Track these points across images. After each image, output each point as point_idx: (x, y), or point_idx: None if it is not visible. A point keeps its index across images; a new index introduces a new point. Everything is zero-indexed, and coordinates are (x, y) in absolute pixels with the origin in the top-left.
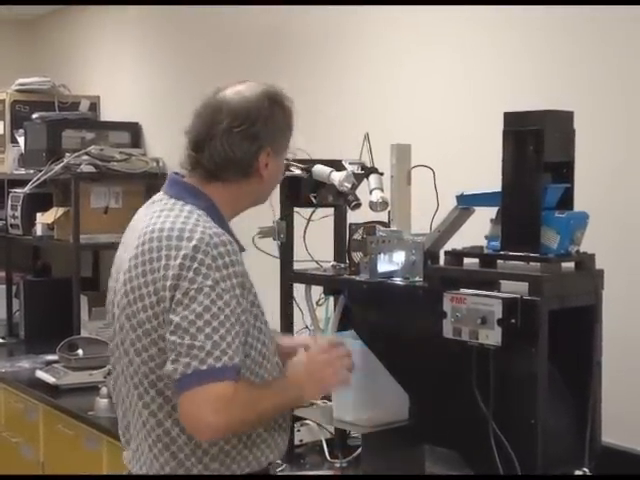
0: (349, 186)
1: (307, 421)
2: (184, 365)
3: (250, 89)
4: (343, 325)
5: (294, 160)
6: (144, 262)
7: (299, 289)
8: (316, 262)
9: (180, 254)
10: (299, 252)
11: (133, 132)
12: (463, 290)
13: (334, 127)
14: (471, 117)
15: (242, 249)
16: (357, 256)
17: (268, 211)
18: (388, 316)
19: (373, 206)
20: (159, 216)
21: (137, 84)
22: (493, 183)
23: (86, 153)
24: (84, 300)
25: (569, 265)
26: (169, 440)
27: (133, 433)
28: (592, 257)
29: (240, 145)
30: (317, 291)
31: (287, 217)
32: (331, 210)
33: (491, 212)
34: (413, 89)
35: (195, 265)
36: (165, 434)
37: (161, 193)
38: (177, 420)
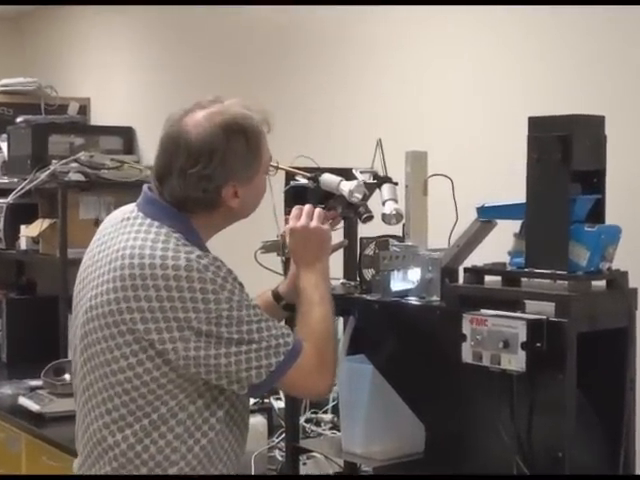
0: (360, 197)
1: (314, 454)
2: (266, 366)
3: (210, 119)
4: (353, 348)
5: (299, 168)
6: (124, 288)
7: None
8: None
9: (175, 286)
10: None
11: (126, 137)
12: (484, 311)
13: (344, 134)
14: (493, 122)
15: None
16: (368, 273)
17: (271, 224)
18: (402, 339)
19: (386, 219)
20: (135, 238)
21: (131, 85)
22: (517, 194)
23: (75, 160)
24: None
25: (600, 284)
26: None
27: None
28: (625, 275)
29: (197, 186)
30: None
31: None
32: (340, 223)
33: (514, 225)
34: (430, 93)
35: (201, 296)
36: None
37: (135, 210)
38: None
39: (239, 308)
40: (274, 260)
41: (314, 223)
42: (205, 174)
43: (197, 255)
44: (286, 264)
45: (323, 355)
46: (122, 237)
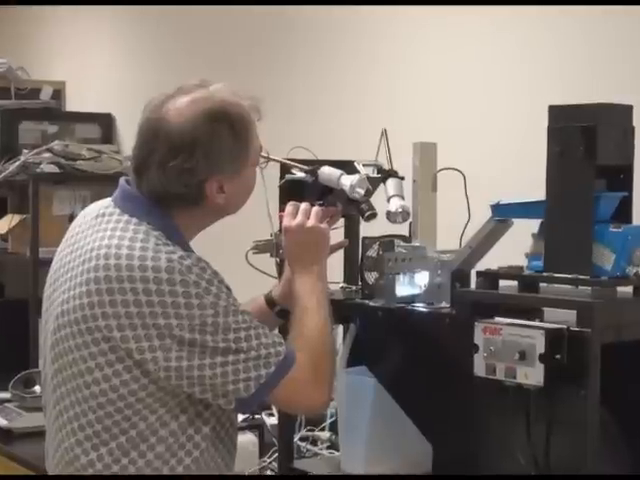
0: (362, 192)
1: (311, 474)
2: (255, 378)
3: (193, 106)
4: (353, 360)
5: (295, 160)
6: (99, 291)
7: None
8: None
9: (155, 289)
10: None
11: (104, 125)
12: (498, 319)
13: (346, 123)
14: (509, 111)
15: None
16: (371, 277)
17: (265, 222)
18: (408, 349)
19: (391, 217)
20: (111, 237)
21: (110, 68)
22: (535, 190)
23: (48, 150)
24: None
25: (626, 290)
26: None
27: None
28: None
29: (177, 181)
30: None
31: None
32: (341, 221)
33: (533, 225)
34: (441, 80)
35: (184, 301)
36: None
37: (111, 205)
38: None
39: (225, 314)
40: (267, 261)
41: (311, 222)
42: (187, 167)
43: (179, 255)
44: (280, 266)
45: (319, 366)
46: (96, 235)
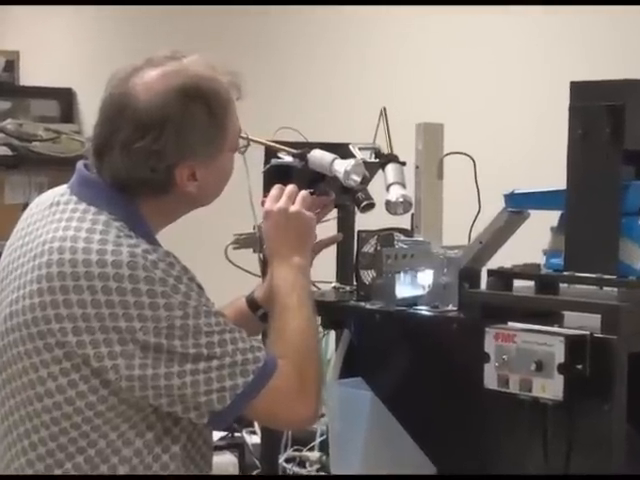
0: (358, 179)
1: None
2: (231, 387)
3: (163, 80)
4: (347, 370)
5: (282, 143)
6: (52, 290)
7: None
8: (312, 284)
9: (116, 287)
10: None
11: (64, 101)
12: (512, 324)
13: (340, 101)
14: (525, 88)
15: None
16: (368, 276)
17: (247, 212)
18: (409, 358)
19: (391, 207)
20: (66, 228)
21: (71, 36)
22: (554, 178)
23: None
24: None
25: None
26: None
27: None
28: None
29: (143, 164)
30: None
31: None
32: (333, 212)
33: (551, 218)
34: (446, 53)
35: (148, 300)
36: None
37: (67, 192)
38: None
39: (196, 315)
40: (249, 258)
41: (295, 207)
42: (155, 149)
43: (144, 249)
44: (264, 263)
45: (304, 374)
46: (50, 227)
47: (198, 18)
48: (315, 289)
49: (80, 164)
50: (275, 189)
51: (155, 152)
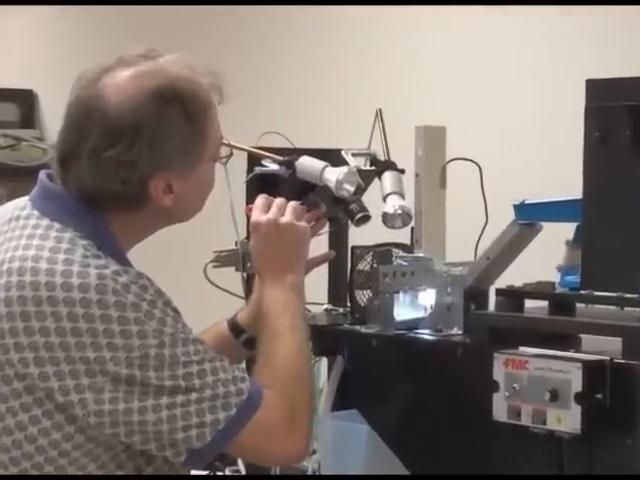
0: (352, 189)
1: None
2: (212, 423)
3: (137, 82)
4: (341, 402)
5: (267, 149)
6: (11, 316)
7: None
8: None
9: (83, 314)
10: None
11: (24, 105)
12: (523, 349)
13: (332, 103)
14: (535, 88)
15: None
16: (363, 296)
17: (228, 226)
18: (409, 388)
19: (388, 220)
20: (27, 247)
21: (32, 34)
22: (569, 187)
23: None
24: None
25: None
26: None
27: None
28: None
29: (114, 175)
30: None
31: None
32: (325, 226)
33: (566, 230)
34: (448, 52)
35: (119, 328)
36: None
37: (29, 206)
38: None
39: (172, 344)
40: (231, 277)
41: (287, 217)
42: (126, 159)
43: (113, 271)
44: (248, 283)
45: (294, 405)
46: (9, 245)
47: (174, 16)
48: (305, 312)
49: (42, 174)
50: (261, 198)
51: (127, 162)
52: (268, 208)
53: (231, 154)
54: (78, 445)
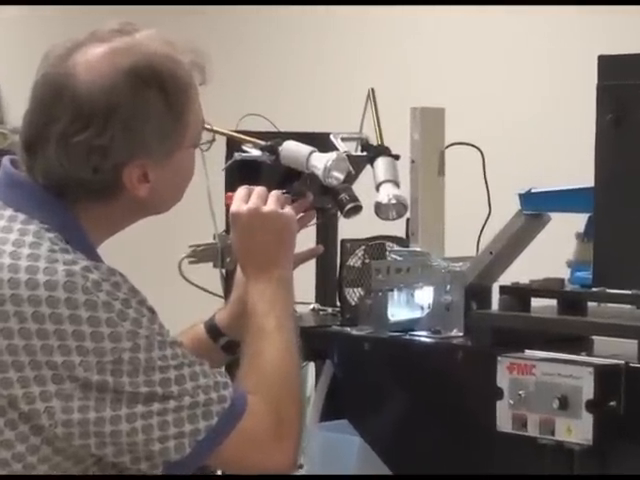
0: (341, 177)
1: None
2: (191, 433)
3: (111, 59)
4: (331, 411)
5: (249, 133)
6: None
7: None
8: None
9: (49, 314)
10: None
11: None
12: (530, 352)
13: (319, 83)
14: (541, 67)
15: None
16: (354, 295)
17: (206, 218)
18: (405, 395)
19: (381, 210)
20: None
21: None
22: (580, 173)
23: None
24: None
25: None
26: None
27: None
28: None
29: (85, 162)
30: None
31: None
32: (312, 218)
33: (577, 221)
34: (448, 28)
35: (90, 330)
36: None
37: None
38: None
39: (148, 347)
40: (209, 274)
41: (270, 206)
42: (98, 145)
43: (83, 267)
44: (228, 280)
45: (281, 413)
46: None
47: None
48: None
49: (6, 160)
50: (242, 189)
51: (99, 147)
52: (249, 198)
53: (213, 139)
54: (45, 458)
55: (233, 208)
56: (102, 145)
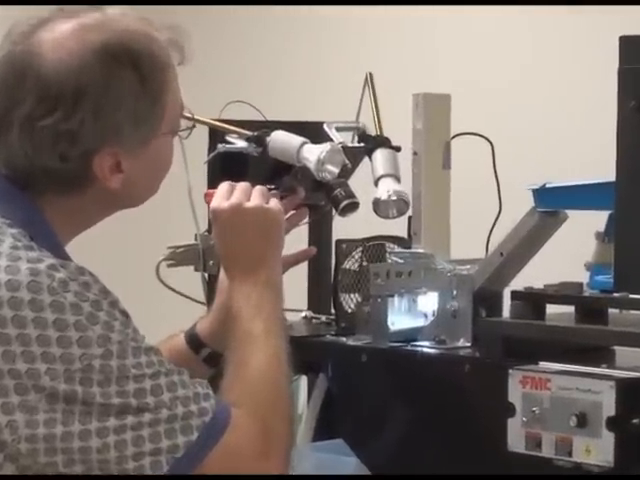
0: (336, 171)
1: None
2: (169, 449)
3: (80, 36)
4: (325, 429)
5: (233, 123)
6: None
7: None
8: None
9: (12, 317)
10: None
11: None
12: (545, 364)
13: (312, 68)
14: (556, 49)
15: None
16: (350, 301)
17: (186, 216)
18: (406, 412)
19: (381, 208)
20: None
21: None
22: (599, 167)
23: None
24: None
25: None
26: None
27: None
28: None
29: (51, 149)
30: None
31: None
32: (305, 217)
33: (596, 220)
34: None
35: (57, 334)
36: None
37: None
38: None
39: (121, 354)
40: (190, 278)
41: (254, 201)
42: (66, 129)
43: (49, 265)
44: (210, 285)
45: (268, 428)
46: None
47: None
48: None
49: None
50: (224, 185)
51: (67, 133)
52: (232, 194)
53: (193, 126)
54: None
55: (213, 204)
56: (70, 130)
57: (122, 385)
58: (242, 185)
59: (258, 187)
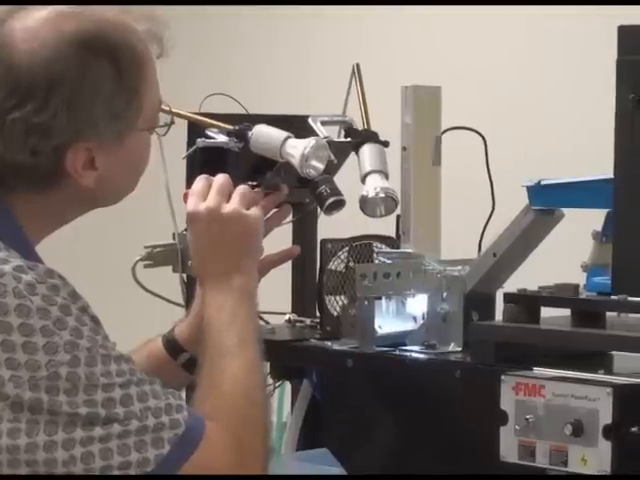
0: (321, 167)
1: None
2: (139, 463)
3: (56, 24)
4: (309, 438)
5: (213, 116)
6: None
7: None
8: (259, 315)
9: None
10: None
11: None
12: (539, 370)
13: (297, 59)
14: (551, 39)
15: None
16: (336, 303)
17: (164, 214)
18: (394, 420)
19: (368, 205)
20: None
21: None
22: (596, 162)
23: None
24: None
25: None
26: None
27: None
28: None
29: (21, 144)
30: None
31: None
32: (288, 215)
33: (594, 218)
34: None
35: (22, 340)
36: None
37: None
38: None
39: (90, 361)
40: (168, 279)
41: (232, 204)
42: (37, 123)
43: (16, 266)
44: (189, 287)
45: (243, 442)
46: None
47: None
48: (262, 323)
49: None
50: (200, 180)
51: (38, 126)
52: (208, 192)
53: (172, 122)
54: None
55: (190, 206)
56: (43, 123)
57: (90, 394)
58: (221, 182)
59: (240, 188)
